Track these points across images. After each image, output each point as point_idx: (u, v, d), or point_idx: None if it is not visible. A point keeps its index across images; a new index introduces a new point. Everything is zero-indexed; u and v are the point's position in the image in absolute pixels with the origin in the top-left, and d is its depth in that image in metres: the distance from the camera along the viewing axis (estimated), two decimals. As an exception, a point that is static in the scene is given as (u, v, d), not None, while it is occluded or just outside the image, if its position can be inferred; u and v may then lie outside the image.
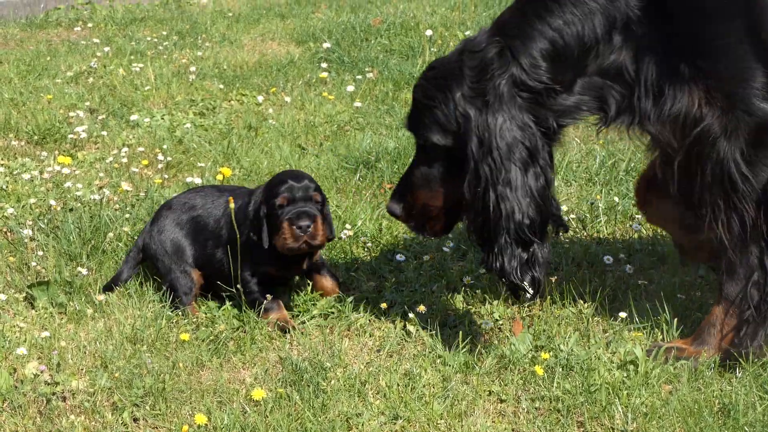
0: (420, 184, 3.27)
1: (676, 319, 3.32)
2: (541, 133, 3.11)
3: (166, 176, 4.80)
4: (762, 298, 3.06)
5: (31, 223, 4.14)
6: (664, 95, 3.06)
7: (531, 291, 3.12)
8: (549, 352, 3.17)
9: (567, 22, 3.11)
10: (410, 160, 3.37)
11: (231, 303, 3.51)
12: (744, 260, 3.08)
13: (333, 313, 3.49)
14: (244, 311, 3.41)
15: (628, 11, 3.05)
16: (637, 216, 4.19)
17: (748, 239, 3.05)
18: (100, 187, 4.55)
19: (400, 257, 3.88)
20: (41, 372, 3.07)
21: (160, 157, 4.97)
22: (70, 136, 5.26)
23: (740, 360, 3.04)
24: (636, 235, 4.09)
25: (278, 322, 3.39)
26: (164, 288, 3.61)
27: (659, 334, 3.31)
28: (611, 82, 3.12)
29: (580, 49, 3.09)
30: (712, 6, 3.09)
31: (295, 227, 3.30)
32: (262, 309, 3.40)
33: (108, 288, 3.65)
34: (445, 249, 3.98)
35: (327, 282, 3.59)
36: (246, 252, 3.45)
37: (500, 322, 3.46)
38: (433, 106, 3.14)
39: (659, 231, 4.01)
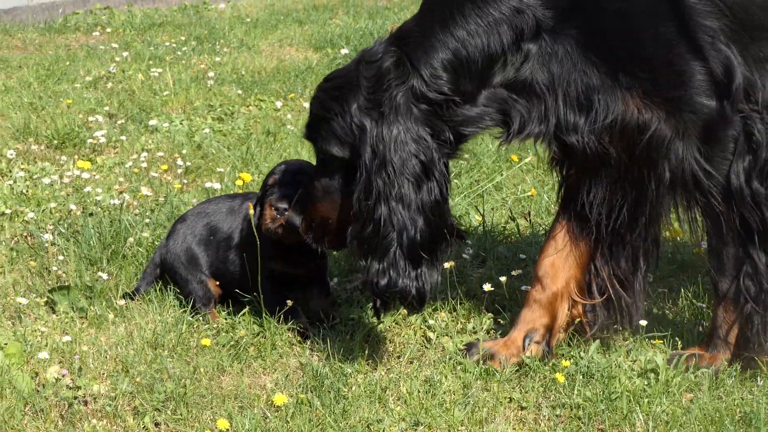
0: (320, 197, 3.23)
1: (696, 328, 3.33)
2: (438, 145, 3.08)
3: (186, 181, 4.82)
4: (759, 288, 3.05)
5: (51, 227, 4.16)
6: (593, 105, 3.03)
7: (415, 307, 3.11)
8: (569, 359, 3.18)
9: (471, 32, 3.08)
10: None
11: (251, 308, 3.53)
12: (728, 254, 3.08)
13: (353, 319, 3.49)
14: (265, 317, 3.41)
15: (540, 21, 3.03)
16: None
17: (725, 233, 3.05)
18: (120, 192, 4.58)
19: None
20: (63, 376, 3.08)
21: (179, 162, 4.98)
22: (90, 140, 5.28)
23: (759, 362, 3.05)
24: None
25: (298, 328, 3.40)
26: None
27: (679, 342, 3.31)
28: (517, 95, 3.10)
29: (484, 60, 3.07)
30: (638, 11, 3.09)
31: (273, 208, 3.31)
32: (282, 315, 3.40)
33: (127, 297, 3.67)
34: (465, 256, 3.98)
35: (315, 293, 3.59)
36: (256, 248, 3.43)
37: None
38: (330, 117, 3.11)
39: (678, 238, 4.01)
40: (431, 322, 3.45)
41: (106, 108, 5.93)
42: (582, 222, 3.26)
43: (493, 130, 3.19)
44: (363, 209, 3.02)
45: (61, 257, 3.90)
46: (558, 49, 3.04)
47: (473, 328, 3.46)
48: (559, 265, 3.29)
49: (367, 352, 3.28)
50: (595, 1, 3.13)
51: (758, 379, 3.06)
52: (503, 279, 3.62)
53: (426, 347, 3.32)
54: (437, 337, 3.39)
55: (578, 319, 3.31)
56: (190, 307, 3.56)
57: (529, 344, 3.22)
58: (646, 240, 3.26)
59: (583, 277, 3.31)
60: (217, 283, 3.63)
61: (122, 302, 3.54)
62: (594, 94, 3.03)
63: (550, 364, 3.17)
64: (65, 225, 4.17)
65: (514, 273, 3.74)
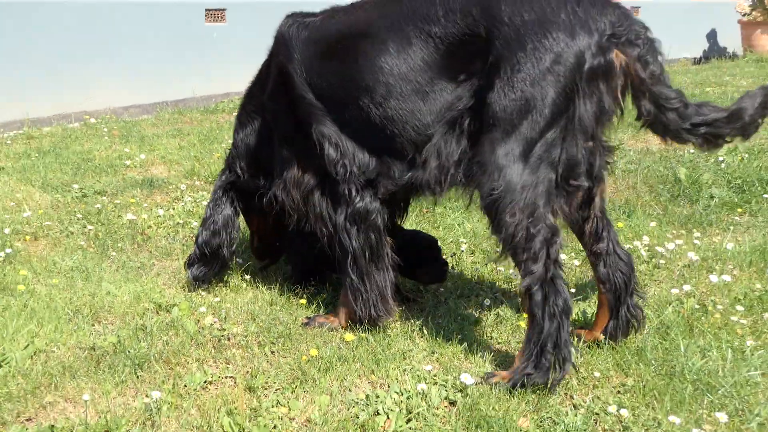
0: None
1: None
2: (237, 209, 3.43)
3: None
4: (352, 285, 3.00)
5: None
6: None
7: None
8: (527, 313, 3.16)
9: (246, 133, 3.30)
10: None
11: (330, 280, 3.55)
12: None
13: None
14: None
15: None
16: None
17: (361, 258, 2.94)
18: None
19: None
20: (214, 322, 3.15)
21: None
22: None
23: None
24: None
25: None
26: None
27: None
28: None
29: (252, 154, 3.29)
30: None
31: None
32: None
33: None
34: (462, 247, 3.99)
35: None
36: None
37: (497, 295, 3.44)
38: None
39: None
40: (441, 289, 3.47)
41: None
42: None
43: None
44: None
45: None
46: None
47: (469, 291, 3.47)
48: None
49: (402, 308, 3.28)
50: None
51: (645, 326, 2.97)
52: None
53: (438, 305, 3.33)
54: (445, 299, 3.40)
55: None
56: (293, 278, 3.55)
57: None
58: None
59: None
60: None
61: (248, 276, 3.60)
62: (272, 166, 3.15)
63: (515, 316, 3.16)
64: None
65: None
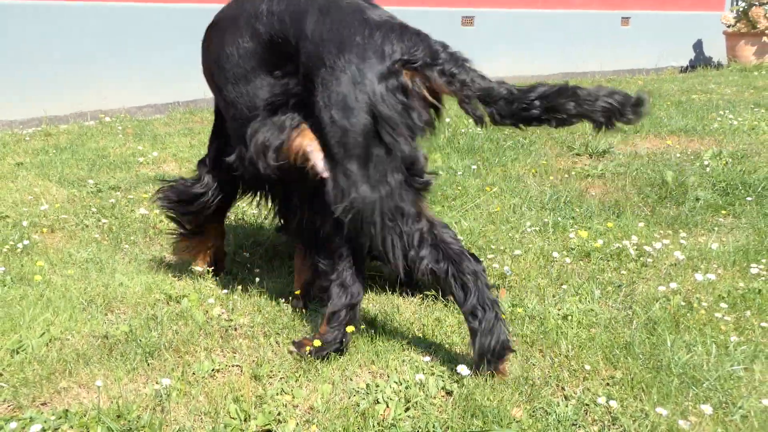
0: None
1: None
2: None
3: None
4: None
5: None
6: None
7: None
8: (521, 308, 3.16)
9: None
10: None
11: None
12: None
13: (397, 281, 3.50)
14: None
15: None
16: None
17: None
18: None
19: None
20: (222, 313, 3.13)
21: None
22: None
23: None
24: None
25: None
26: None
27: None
28: None
29: None
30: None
31: None
32: None
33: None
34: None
35: None
36: None
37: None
38: None
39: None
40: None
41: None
42: None
43: None
44: None
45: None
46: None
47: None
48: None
49: (402, 300, 3.28)
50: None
51: (633, 322, 3.01)
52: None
53: (435, 299, 3.30)
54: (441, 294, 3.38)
55: None
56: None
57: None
58: None
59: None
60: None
61: (258, 270, 3.59)
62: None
63: (510, 311, 3.15)
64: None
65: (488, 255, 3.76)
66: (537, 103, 2.38)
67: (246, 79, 2.72)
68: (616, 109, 2.34)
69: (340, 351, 2.72)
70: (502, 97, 2.42)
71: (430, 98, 2.51)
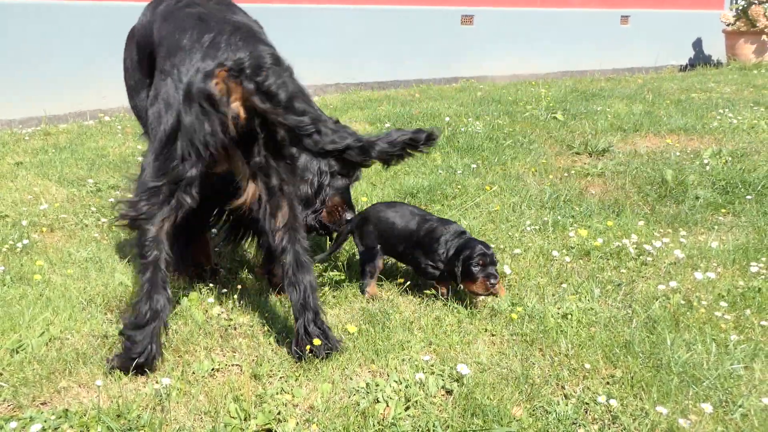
0: None
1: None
2: None
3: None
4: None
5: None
6: None
7: None
8: (520, 306, 3.16)
9: None
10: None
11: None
12: None
13: (400, 282, 3.50)
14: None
15: None
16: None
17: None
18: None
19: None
20: (222, 312, 3.13)
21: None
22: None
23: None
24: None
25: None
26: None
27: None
28: None
29: None
30: None
31: (488, 282, 3.08)
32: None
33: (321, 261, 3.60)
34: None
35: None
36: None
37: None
38: None
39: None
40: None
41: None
42: None
43: None
44: None
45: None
46: None
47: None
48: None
49: (401, 300, 3.28)
50: None
51: (633, 321, 3.01)
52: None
53: (435, 298, 3.30)
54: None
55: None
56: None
57: None
58: None
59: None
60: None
61: (259, 271, 3.58)
62: None
63: (509, 309, 3.15)
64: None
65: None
66: (336, 155, 2.45)
67: (141, 82, 3.02)
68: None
69: None
70: (309, 135, 2.42)
71: (247, 110, 2.49)
